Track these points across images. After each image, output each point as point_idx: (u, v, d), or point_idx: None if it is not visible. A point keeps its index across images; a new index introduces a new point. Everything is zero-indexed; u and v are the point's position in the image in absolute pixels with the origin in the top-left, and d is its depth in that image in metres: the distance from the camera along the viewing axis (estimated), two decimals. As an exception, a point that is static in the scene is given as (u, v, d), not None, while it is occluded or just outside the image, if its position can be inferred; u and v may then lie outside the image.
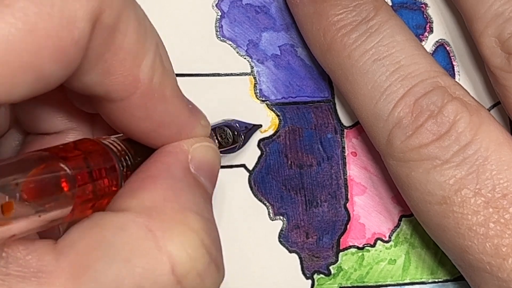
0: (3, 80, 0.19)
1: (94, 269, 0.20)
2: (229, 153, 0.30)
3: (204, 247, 0.22)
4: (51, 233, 0.22)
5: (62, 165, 0.21)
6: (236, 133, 0.30)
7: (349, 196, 0.32)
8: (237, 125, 0.30)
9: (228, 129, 0.29)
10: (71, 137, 0.26)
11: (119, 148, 0.24)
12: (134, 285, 0.20)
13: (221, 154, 0.28)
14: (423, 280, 0.32)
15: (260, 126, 0.32)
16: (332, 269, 0.32)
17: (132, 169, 0.24)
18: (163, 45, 0.24)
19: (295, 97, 0.32)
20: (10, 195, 0.19)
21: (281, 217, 0.32)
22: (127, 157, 0.24)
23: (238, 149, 0.30)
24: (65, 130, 0.26)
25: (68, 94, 0.25)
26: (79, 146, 0.22)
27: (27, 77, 0.19)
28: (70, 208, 0.21)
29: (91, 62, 0.21)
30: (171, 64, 0.24)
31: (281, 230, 0.32)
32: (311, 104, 0.32)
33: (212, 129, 0.28)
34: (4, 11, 0.18)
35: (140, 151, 0.24)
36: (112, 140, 0.24)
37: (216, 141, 0.29)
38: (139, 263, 0.21)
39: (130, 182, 0.23)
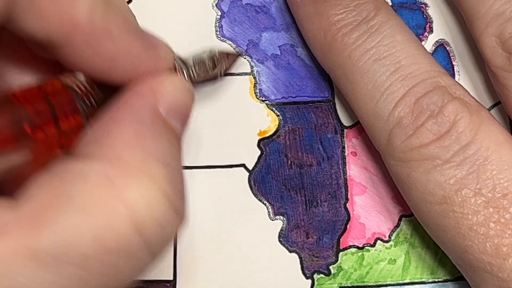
0: None
1: (52, 220, 0.20)
2: (211, 82, 0.28)
3: (164, 196, 0.22)
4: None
5: (21, 108, 0.21)
6: (215, 59, 0.28)
7: (349, 196, 0.32)
8: (216, 51, 0.28)
9: (207, 59, 0.28)
10: None
11: (81, 86, 0.23)
12: (94, 235, 0.20)
13: (203, 84, 0.27)
14: (423, 280, 0.32)
15: (240, 54, 0.31)
16: (332, 269, 0.32)
17: (97, 106, 0.24)
18: None
19: (295, 97, 0.32)
20: None
21: (281, 217, 0.32)
22: (89, 95, 0.23)
23: (220, 76, 0.28)
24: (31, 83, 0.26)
25: (27, 43, 0.24)
26: (42, 87, 0.22)
27: None
28: (32, 150, 0.21)
29: (21, 6, 0.21)
30: (121, 1, 0.24)
31: (281, 230, 0.32)
32: (311, 104, 0.32)
33: (189, 60, 0.27)
34: None
35: (105, 87, 0.24)
36: (75, 79, 0.24)
37: (194, 73, 0.27)
38: (98, 213, 0.20)
39: (95, 126, 0.23)
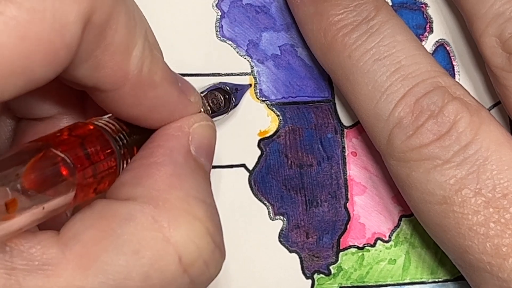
0: None
1: (101, 261, 0.20)
2: (222, 115, 0.30)
3: (209, 235, 0.22)
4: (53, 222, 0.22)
5: (59, 153, 0.21)
6: (226, 96, 0.30)
7: (349, 196, 0.32)
8: (227, 87, 0.30)
9: (219, 93, 0.29)
10: (65, 121, 0.26)
11: (113, 128, 0.24)
12: (142, 275, 0.21)
13: (215, 118, 0.28)
14: (423, 280, 0.32)
15: (250, 86, 0.32)
16: (332, 269, 0.32)
17: (128, 147, 0.24)
18: (151, 30, 0.24)
19: (295, 97, 0.32)
20: (12, 187, 0.19)
21: (281, 217, 0.32)
22: (122, 136, 0.24)
23: (231, 110, 0.30)
24: (57, 114, 0.26)
25: (64, 81, 0.25)
26: (74, 130, 0.23)
27: (18, 80, 0.19)
28: (72, 194, 0.21)
29: (81, 59, 0.21)
30: (158, 46, 0.24)
31: (281, 230, 0.32)
32: (311, 104, 0.32)
33: (202, 96, 0.28)
34: None
35: (135, 129, 0.25)
36: (106, 121, 0.24)
37: (208, 107, 0.29)
38: (147, 254, 0.21)
39: (133, 169, 0.23)
